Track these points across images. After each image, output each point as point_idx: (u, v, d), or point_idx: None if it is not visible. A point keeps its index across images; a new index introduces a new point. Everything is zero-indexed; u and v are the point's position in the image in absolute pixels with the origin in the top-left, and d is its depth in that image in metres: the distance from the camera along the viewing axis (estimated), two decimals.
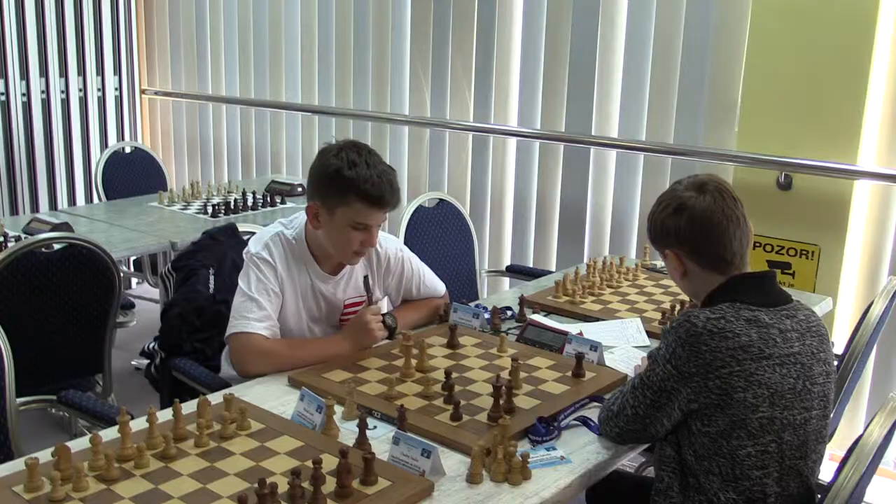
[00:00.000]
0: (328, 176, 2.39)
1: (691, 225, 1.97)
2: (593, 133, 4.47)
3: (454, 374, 2.34)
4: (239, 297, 2.47)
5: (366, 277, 2.55)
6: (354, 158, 2.39)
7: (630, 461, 3.31)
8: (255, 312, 2.42)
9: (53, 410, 3.96)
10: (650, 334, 2.78)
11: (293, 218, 2.63)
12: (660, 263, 3.71)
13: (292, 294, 2.53)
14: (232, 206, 4.58)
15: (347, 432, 2.08)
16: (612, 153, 4.50)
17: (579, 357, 2.43)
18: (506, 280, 4.89)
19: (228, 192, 4.97)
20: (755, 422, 1.83)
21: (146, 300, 5.34)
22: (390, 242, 2.75)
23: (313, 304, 2.58)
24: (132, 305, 4.40)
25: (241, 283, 2.49)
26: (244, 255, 2.53)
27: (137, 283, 6.05)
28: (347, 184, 2.37)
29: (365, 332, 2.49)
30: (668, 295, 3.24)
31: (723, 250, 1.96)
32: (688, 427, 1.90)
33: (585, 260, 3.65)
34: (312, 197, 2.46)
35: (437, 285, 2.89)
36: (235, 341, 2.42)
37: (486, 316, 2.88)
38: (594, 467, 1.99)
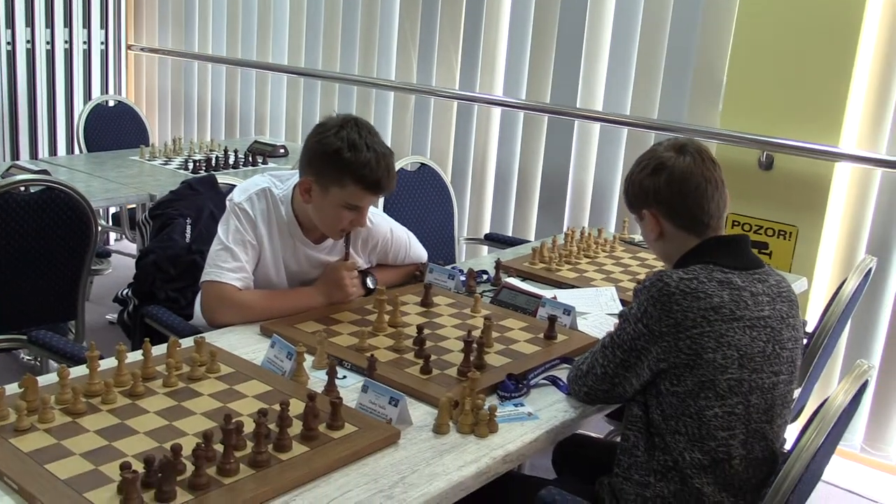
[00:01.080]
0: (326, 155, 2.33)
1: (669, 184, 1.96)
2: (578, 105, 4.47)
3: (426, 331, 2.34)
4: (216, 244, 2.44)
5: (347, 233, 2.53)
6: (355, 139, 2.32)
7: (597, 430, 3.33)
8: (230, 262, 2.40)
9: (24, 356, 3.95)
10: (624, 303, 2.78)
11: (285, 176, 2.58)
12: (637, 237, 3.72)
13: (271, 251, 2.51)
14: (213, 164, 4.55)
15: (316, 380, 2.08)
16: (596, 126, 4.49)
17: (552, 319, 2.43)
18: (484, 248, 4.88)
19: (210, 150, 4.93)
20: (723, 383, 1.84)
21: (124, 255, 5.30)
22: (381, 221, 2.72)
23: (293, 262, 2.55)
24: (108, 254, 4.37)
25: (219, 230, 2.47)
26: (227, 202, 2.50)
27: (116, 240, 6.01)
28: (345, 166, 2.31)
29: (338, 288, 2.47)
30: (645, 267, 3.25)
31: (700, 211, 1.96)
32: (656, 387, 1.91)
33: (565, 229, 3.65)
34: (305, 172, 2.41)
35: (421, 253, 2.88)
36: (207, 289, 2.40)
37: (462, 278, 2.88)
38: (561, 424, 2.00)
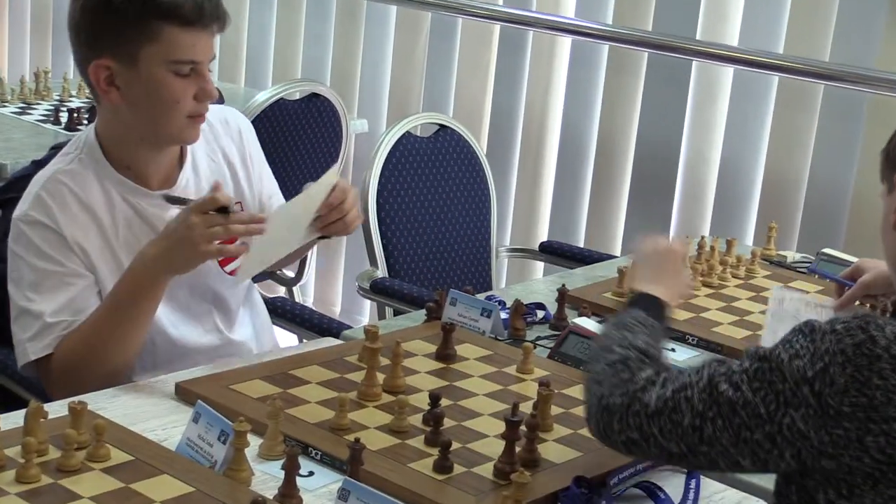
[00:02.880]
0: (107, 5, 2.45)
1: None
2: (698, 38, 4.48)
3: (445, 402, 2.35)
4: (12, 308, 2.54)
5: (170, 197, 2.56)
6: None
7: None
8: (32, 326, 2.49)
9: None
10: None
11: (73, 139, 2.70)
12: (792, 256, 3.73)
13: (106, 246, 2.57)
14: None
15: (266, 478, 2.09)
16: (728, 72, 4.51)
17: None
18: (538, 265, 4.91)
19: None
20: None
21: None
22: (229, 112, 2.87)
23: (145, 240, 2.58)
24: None
25: (9, 282, 2.55)
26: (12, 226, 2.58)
27: None
28: (143, 5, 2.43)
29: (187, 244, 2.43)
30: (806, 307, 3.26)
31: None
32: (810, 497, 1.90)
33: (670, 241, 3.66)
34: (90, 57, 2.50)
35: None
36: (31, 373, 2.54)
37: (503, 315, 2.89)
38: None
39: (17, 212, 2.55)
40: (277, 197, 2.89)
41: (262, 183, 2.85)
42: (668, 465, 2.08)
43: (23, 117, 4.58)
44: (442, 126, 4.05)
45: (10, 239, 2.55)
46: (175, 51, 2.45)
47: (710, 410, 1.90)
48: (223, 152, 2.78)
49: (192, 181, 2.68)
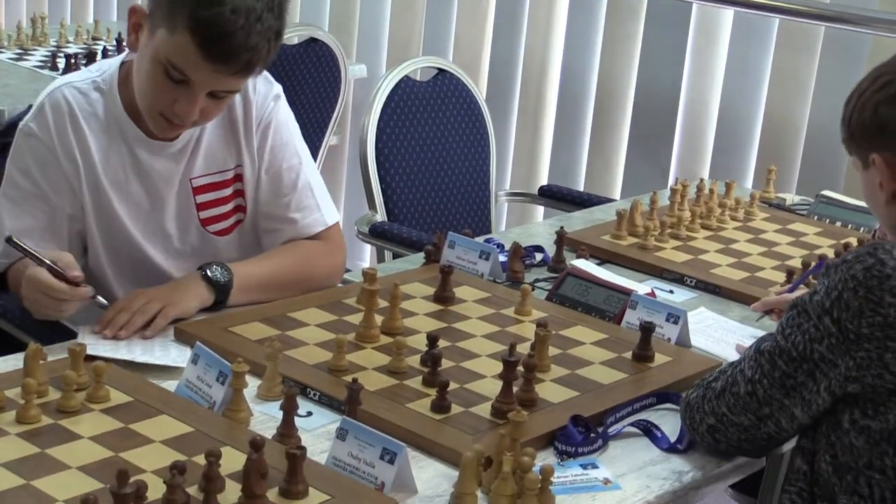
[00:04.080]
0: None
1: None
2: None
3: (442, 342, 2.36)
4: None
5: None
6: None
7: None
8: None
9: None
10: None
11: (101, 62, 2.69)
12: (791, 199, 3.73)
13: (92, 174, 2.57)
14: (98, 60, 4.57)
15: (264, 418, 2.11)
16: (728, 15, 4.50)
17: (647, 329, 2.45)
18: (537, 209, 4.91)
19: (94, 39, 4.96)
20: None
21: None
22: (262, 78, 2.70)
23: (138, 189, 2.59)
24: None
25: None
26: None
27: None
28: (187, 2, 2.33)
29: (41, 298, 2.37)
30: (800, 247, 3.27)
31: None
32: (835, 421, 1.94)
33: (671, 183, 3.65)
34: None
35: (327, 213, 2.78)
36: None
37: (502, 258, 2.90)
38: (657, 500, 2.02)
39: (22, 121, 2.58)
40: (294, 172, 2.72)
41: (272, 155, 2.70)
42: (748, 449, 2.10)
43: (20, 63, 4.57)
44: (441, 70, 4.04)
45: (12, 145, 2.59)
46: (175, 55, 2.35)
47: (757, 373, 2.00)
48: (231, 114, 2.66)
49: (194, 137, 2.63)
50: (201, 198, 2.67)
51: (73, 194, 2.56)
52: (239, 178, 2.68)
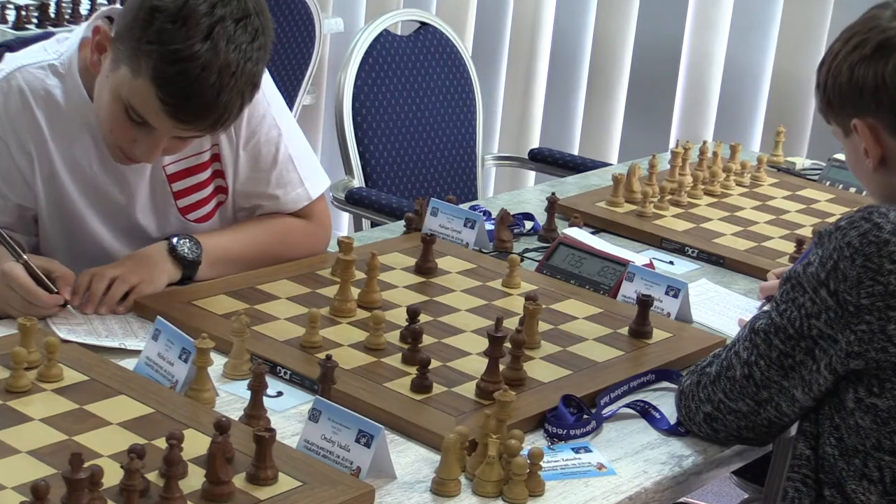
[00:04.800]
0: (142, 12, 2.25)
1: None
2: None
3: (425, 317, 2.37)
4: None
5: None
6: (199, 9, 2.21)
7: (718, 501, 3.36)
8: None
9: None
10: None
11: (67, 35, 2.59)
12: (801, 163, 3.73)
13: (48, 171, 2.53)
14: (53, 14, 4.58)
15: (231, 398, 2.11)
16: None
17: (645, 302, 2.46)
18: (528, 174, 4.91)
19: None
20: None
21: None
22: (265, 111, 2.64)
23: (106, 181, 2.56)
24: None
25: None
26: None
27: None
28: (152, 41, 2.22)
29: (10, 296, 2.36)
30: (810, 215, 3.28)
31: None
32: (838, 401, 1.94)
33: (671, 146, 3.65)
34: (108, 15, 2.43)
35: (312, 187, 2.74)
36: None
37: (489, 226, 2.91)
38: (655, 486, 2.02)
39: None
40: (273, 146, 2.65)
41: (249, 129, 2.62)
42: (749, 437, 2.10)
43: None
44: (423, 24, 4.03)
45: None
46: (136, 100, 2.28)
47: (753, 354, 2.01)
48: None
49: None
50: (178, 185, 2.63)
51: (26, 186, 2.52)
52: (216, 157, 2.63)
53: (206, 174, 2.64)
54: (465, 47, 4.18)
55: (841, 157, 3.60)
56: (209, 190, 2.66)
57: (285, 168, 2.67)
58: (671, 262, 2.90)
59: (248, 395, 2.02)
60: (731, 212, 3.23)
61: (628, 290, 2.60)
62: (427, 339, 2.31)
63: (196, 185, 2.64)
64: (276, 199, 2.67)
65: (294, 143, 2.69)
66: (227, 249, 2.61)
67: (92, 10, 4.64)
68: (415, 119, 3.92)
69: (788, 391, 1.98)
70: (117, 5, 2.44)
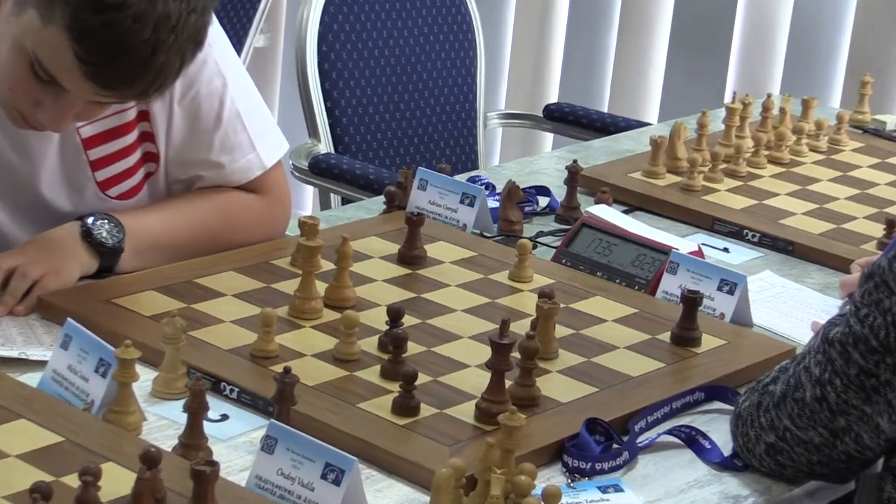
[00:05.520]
0: None
1: None
2: None
3: (409, 319, 2.37)
4: None
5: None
6: None
7: None
8: None
9: None
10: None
11: None
12: (893, 122, 3.72)
13: None
14: None
15: (162, 423, 2.11)
16: None
17: (692, 302, 2.46)
18: (544, 137, 4.91)
19: None
20: None
21: None
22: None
23: (4, 146, 2.57)
24: None
25: None
26: None
27: None
28: None
29: None
30: None
31: None
32: None
33: (727, 100, 3.65)
34: None
35: (265, 152, 2.75)
36: None
37: (492, 203, 2.91)
38: None
39: None
40: (216, 100, 2.65)
41: (185, 79, 2.54)
42: (823, 474, 2.10)
43: None
44: None
45: None
46: (50, 58, 2.25)
47: (826, 370, 2.00)
48: None
49: None
50: (95, 152, 2.62)
51: None
52: (144, 116, 2.62)
53: (132, 137, 2.64)
54: None
55: None
56: (135, 157, 2.65)
57: (232, 128, 2.66)
58: (726, 250, 2.91)
59: (183, 418, 2.00)
60: (802, 185, 3.24)
61: (670, 284, 2.61)
62: (413, 348, 2.30)
63: (119, 151, 2.63)
64: (221, 167, 2.67)
65: (243, 97, 2.69)
66: (157, 233, 2.61)
67: None
68: (398, 67, 3.93)
69: (871, 419, 1.97)
70: None
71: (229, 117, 2.65)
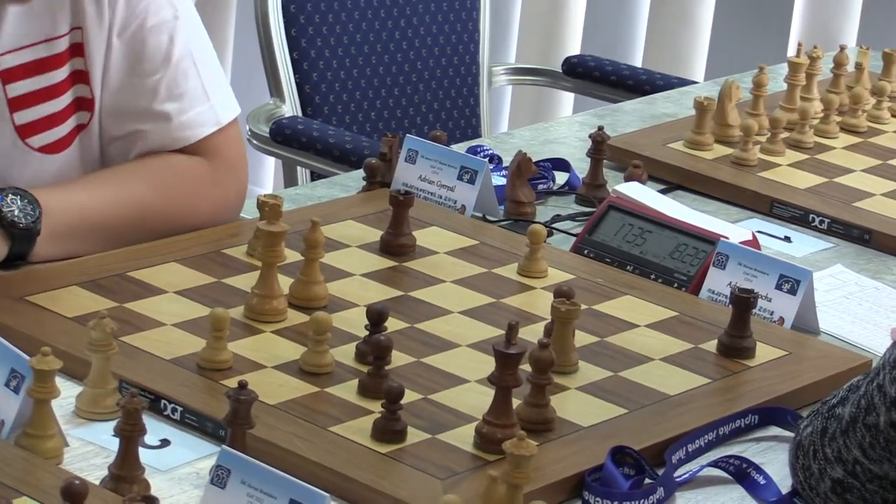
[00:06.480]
0: None
1: None
2: None
3: (394, 322, 2.38)
4: None
5: None
6: None
7: None
8: None
9: None
10: None
11: None
12: None
13: None
14: None
15: (88, 449, 2.12)
16: None
17: (744, 303, 2.47)
18: (562, 97, 4.93)
19: None
20: None
21: None
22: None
23: None
24: None
25: None
26: None
27: None
28: None
29: None
30: None
31: None
32: None
33: (790, 54, 3.66)
34: None
35: (220, 105, 2.78)
36: None
37: (498, 178, 2.93)
38: None
39: None
40: (165, 34, 2.68)
41: (129, 6, 2.63)
42: None
43: None
44: None
45: None
46: None
47: None
48: None
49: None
50: (14, 88, 2.64)
51: None
52: (78, 49, 2.63)
53: (62, 74, 2.66)
54: None
55: None
56: (65, 101, 2.67)
57: (182, 71, 2.67)
58: (787, 239, 2.92)
59: (114, 444, 2.01)
60: (883, 158, 3.26)
61: (718, 281, 2.63)
62: (399, 358, 2.32)
63: (44, 90, 2.65)
64: (167, 119, 2.67)
65: (195, 38, 2.69)
66: (84, 211, 2.62)
67: None
68: (381, 11, 3.94)
69: None
70: None
71: (180, 58, 2.65)
